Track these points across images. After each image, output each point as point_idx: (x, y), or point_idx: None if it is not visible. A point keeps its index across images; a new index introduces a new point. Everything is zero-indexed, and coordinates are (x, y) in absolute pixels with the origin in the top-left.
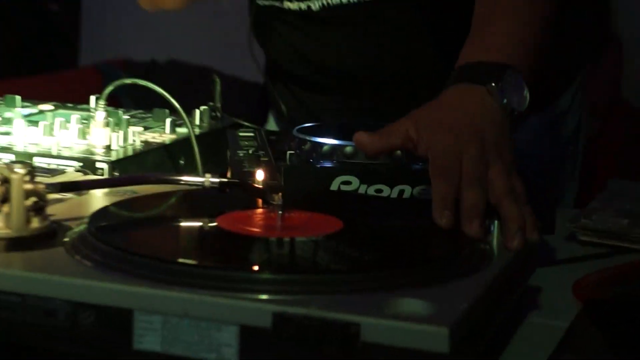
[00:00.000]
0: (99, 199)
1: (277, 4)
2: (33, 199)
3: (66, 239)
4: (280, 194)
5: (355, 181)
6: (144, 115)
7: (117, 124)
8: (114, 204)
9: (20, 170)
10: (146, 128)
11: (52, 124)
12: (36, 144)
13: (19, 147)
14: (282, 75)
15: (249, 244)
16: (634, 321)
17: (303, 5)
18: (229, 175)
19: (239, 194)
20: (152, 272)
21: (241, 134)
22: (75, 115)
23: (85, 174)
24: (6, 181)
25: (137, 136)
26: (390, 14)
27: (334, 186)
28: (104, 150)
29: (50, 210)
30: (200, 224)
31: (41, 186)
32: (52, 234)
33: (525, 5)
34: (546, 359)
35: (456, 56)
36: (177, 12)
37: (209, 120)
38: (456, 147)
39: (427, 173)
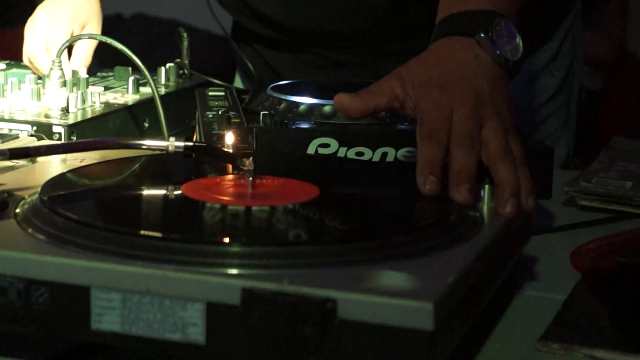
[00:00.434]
0: (54, 166)
1: None
2: None
3: (18, 211)
4: (251, 158)
5: (334, 143)
6: (104, 75)
7: (75, 84)
8: (70, 172)
9: None
10: (107, 88)
11: (4, 84)
12: None
13: None
14: (243, 32)
15: (216, 214)
16: (637, 292)
17: None
18: (196, 138)
19: (207, 159)
20: (110, 246)
21: (211, 93)
22: (29, 75)
23: (40, 138)
24: None
25: (97, 97)
26: None
27: (310, 149)
28: (60, 112)
29: (0, 179)
30: (163, 192)
31: None
32: (2, 205)
33: None
34: (542, 334)
35: (424, 7)
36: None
37: (176, 78)
38: (446, 105)
39: (413, 134)
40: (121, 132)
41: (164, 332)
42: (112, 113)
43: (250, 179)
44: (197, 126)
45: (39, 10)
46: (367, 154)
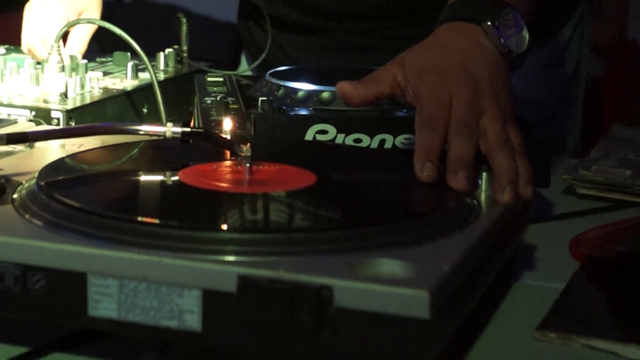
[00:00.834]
0: (52, 151)
1: None
2: None
3: (15, 196)
4: (248, 144)
5: (332, 130)
6: (103, 60)
7: (74, 69)
8: (67, 157)
9: None
10: (106, 73)
11: (3, 69)
12: None
13: None
14: (255, 13)
15: (212, 201)
16: (637, 281)
17: None
18: (194, 124)
19: (205, 145)
20: (107, 232)
21: (209, 79)
22: (28, 60)
23: (39, 123)
24: None
25: (95, 82)
26: None
27: (308, 135)
28: (59, 97)
29: None
30: (160, 178)
31: None
32: None
33: None
34: (539, 322)
35: None
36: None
37: (175, 64)
38: (445, 92)
39: (412, 121)
40: (120, 118)
41: (161, 319)
42: (110, 98)
43: (248, 165)
44: (195, 112)
45: (34, 1)
46: (365, 140)
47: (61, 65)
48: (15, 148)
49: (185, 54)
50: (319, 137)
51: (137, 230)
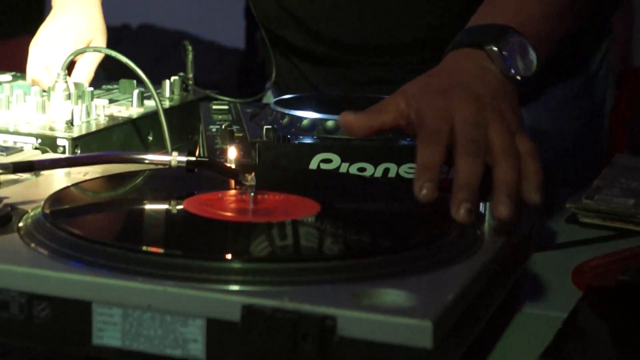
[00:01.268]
0: (58, 179)
1: None
2: None
3: (21, 224)
4: (253, 173)
5: (336, 159)
6: (109, 87)
7: (80, 97)
8: (73, 186)
9: None
10: (112, 101)
11: (10, 96)
12: None
13: None
14: (279, 45)
15: (217, 230)
16: (639, 311)
17: None
18: (199, 152)
19: (210, 174)
20: (112, 261)
21: (214, 107)
22: (34, 88)
23: (45, 151)
24: None
25: (101, 110)
26: None
27: (313, 164)
28: (65, 125)
29: (4, 192)
30: (165, 207)
31: None
32: (5, 218)
33: None
34: (542, 352)
35: (466, 22)
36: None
37: (180, 92)
38: (446, 108)
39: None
40: (125, 145)
41: (165, 348)
42: (116, 126)
43: (252, 194)
44: (200, 140)
45: (42, 32)
46: (369, 169)
47: (67, 93)
48: (21, 176)
49: (191, 82)
50: (323, 166)
51: (142, 259)
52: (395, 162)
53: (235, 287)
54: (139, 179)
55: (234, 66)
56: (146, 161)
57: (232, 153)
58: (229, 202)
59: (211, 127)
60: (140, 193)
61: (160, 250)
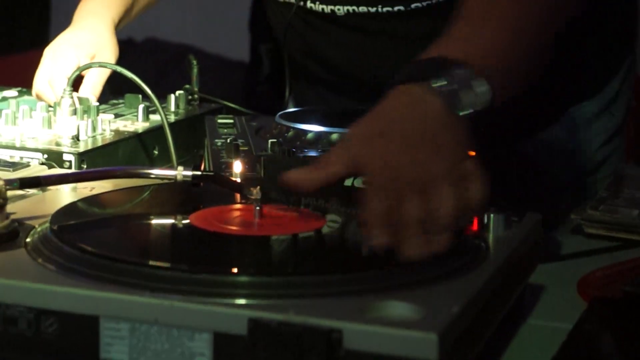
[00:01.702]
0: (65, 194)
1: (299, 2)
2: None
3: (28, 240)
4: (258, 187)
5: None
6: (115, 102)
7: (86, 112)
8: (79, 201)
9: None
10: (117, 115)
11: (16, 112)
12: None
13: None
14: (302, 72)
15: (223, 244)
16: None
17: (327, 9)
18: (204, 167)
19: (215, 188)
20: (119, 276)
21: (220, 120)
22: (40, 103)
23: (51, 166)
24: None
25: (107, 125)
26: (418, 25)
27: None
28: (71, 140)
29: (11, 208)
30: (172, 221)
31: (0, 182)
32: (13, 234)
33: (513, 24)
34: None
35: None
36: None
37: (186, 106)
38: (385, 152)
39: None
40: (131, 160)
41: None
42: (122, 141)
43: (257, 208)
44: (205, 154)
45: (47, 48)
46: None
47: (73, 108)
48: (28, 191)
49: (196, 96)
50: None
51: (149, 274)
52: None
53: (241, 301)
54: (145, 194)
55: (239, 80)
56: (152, 176)
57: (238, 167)
58: (235, 216)
59: (216, 140)
60: (147, 207)
61: (167, 265)
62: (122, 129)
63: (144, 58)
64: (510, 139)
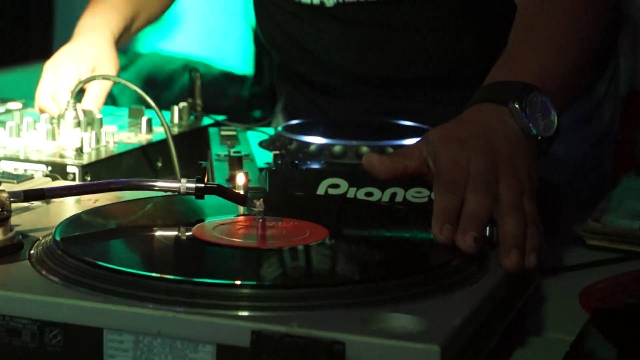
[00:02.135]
0: (69, 207)
1: None
2: None
3: (32, 252)
4: (261, 199)
5: (343, 184)
6: (118, 114)
7: (89, 124)
8: (83, 213)
9: None
10: (121, 127)
11: (20, 124)
12: (2, 147)
13: None
14: (290, 74)
15: (226, 256)
16: None
17: (316, 0)
18: (207, 179)
19: (219, 200)
20: (123, 288)
21: (223, 132)
22: (44, 115)
23: (55, 178)
24: None
25: (110, 137)
26: (408, 15)
27: (320, 189)
28: (74, 152)
29: (15, 220)
30: (175, 234)
31: (4, 195)
32: (17, 246)
33: (568, 31)
34: None
35: (475, 58)
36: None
37: (189, 118)
38: (464, 157)
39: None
40: (134, 172)
41: None
42: (125, 153)
43: (260, 220)
44: (208, 166)
45: (48, 63)
46: (377, 194)
47: (77, 120)
48: (32, 204)
49: (199, 108)
50: (331, 191)
51: (152, 286)
52: (402, 187)
53: (244, 313)
54: (149, 206)
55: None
56: (156, 188)
57: (241, 179)
58: (238, 228)
59: (220, 153)
60: (150, 220)
61: (170, 277)
62: (125, 141)
63: (147, 69)
64: None
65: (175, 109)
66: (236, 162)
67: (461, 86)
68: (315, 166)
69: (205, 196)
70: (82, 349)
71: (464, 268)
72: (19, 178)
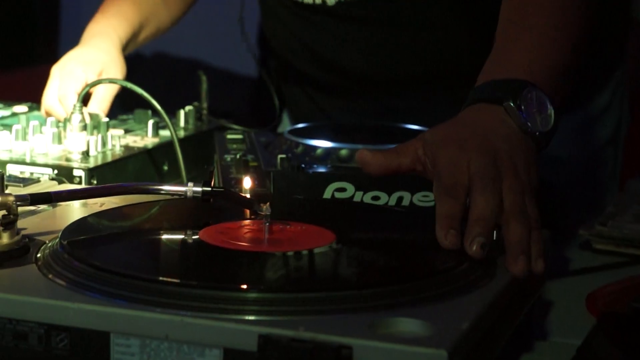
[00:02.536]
0: (75, 210)
1: None
2: (2, 213)
3: (39, 256)
4: (268, 203)
5: (350, 188)
6: (124, 117)
7: (96, 127)
8: (89, 216)
9: None
10: (127, 131)
11: (26, 127)
12: (8, 150)
13: None
14: (293, 74)
15: (232, 260)
16: None
17: None
18: (214, 183)
19: (225, 204)
20: (129, 292)
21: (229, 136)
22: (50, 118)
23: (61, 182)
24: None
25: (117, 140)
26: (409, 13)
27: (327, 193)
28: (81, 156)
29: (21, 223)
30: (182, 237)
31: (11, 198)
32: (23, 250)
33: (556, 22)
34: None
35: (477, 56)
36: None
37: (195, 121)
38: (463, 159)
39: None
40: (141, 175)
41: None
42: (132, 156)
43: (267, 224)
44: (215, 170)
45: (54, 66)
46: (383, 198)
47: (83, 124)
48: (38, 207)
49: (205, 112)
50: (338, 195)
51: (159, 289)
52: (409, 191)
53: (251, 317)
54: (155, 209)
55: (248, 95)
56: (162, 192)
57: (247, 183)
58: (245, 231)
59: (226, 156)
60: (157, 223)
61: (177, 281)
62: (131, 144)
63: (152, 74)
64: None
65: (181, 112)
66: (242, 166)
67: (464, 84)
68: (322, 170)
69: (212, 200)
70: (89, 352)
71: (471, 273)
72: (25, 181)
